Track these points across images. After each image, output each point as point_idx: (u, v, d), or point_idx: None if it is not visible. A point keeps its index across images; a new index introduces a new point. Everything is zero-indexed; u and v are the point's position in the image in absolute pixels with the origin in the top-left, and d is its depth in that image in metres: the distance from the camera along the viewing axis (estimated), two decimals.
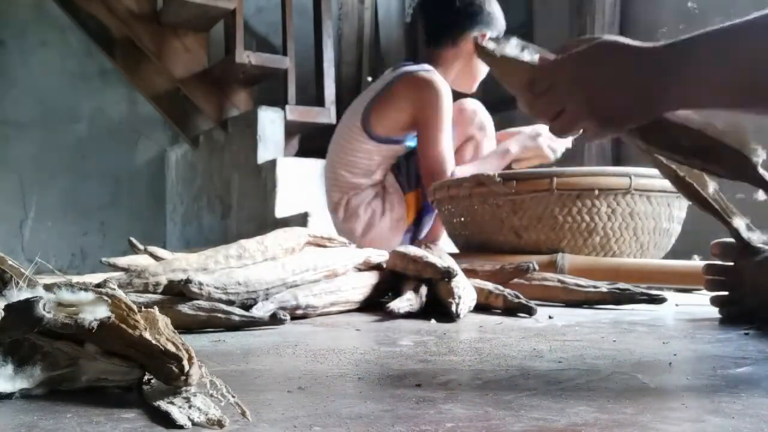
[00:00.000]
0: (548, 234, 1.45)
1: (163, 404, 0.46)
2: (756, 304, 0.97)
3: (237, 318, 0.90)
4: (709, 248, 1.04)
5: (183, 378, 0.47)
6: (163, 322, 0.51)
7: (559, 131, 0.80)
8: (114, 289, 0.53)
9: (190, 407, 0.45)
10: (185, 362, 0.48)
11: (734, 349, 0.74)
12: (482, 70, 1.93)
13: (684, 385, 0.56)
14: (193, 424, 0.43)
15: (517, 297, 1.08)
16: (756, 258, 0.98)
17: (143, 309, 0.52)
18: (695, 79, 0.71)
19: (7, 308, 0.49)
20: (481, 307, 1.09)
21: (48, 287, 0.54)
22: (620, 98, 0.75)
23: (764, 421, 0.44)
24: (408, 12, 3.63)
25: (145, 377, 0.51)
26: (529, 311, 1.05)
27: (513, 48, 0.86)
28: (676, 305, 1.19)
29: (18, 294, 0.52)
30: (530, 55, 0.84)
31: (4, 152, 3.35)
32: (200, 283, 0.92)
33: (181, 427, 0.43)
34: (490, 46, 0.88)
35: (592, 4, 2.49)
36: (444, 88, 1.84)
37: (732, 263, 1.01)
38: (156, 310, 0.53)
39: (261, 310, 0.93)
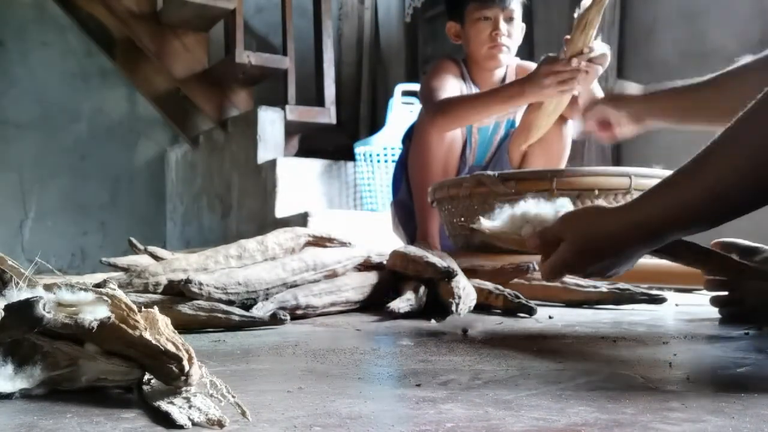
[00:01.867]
0: None
1: (163, 404, 0.46)
2: (756, 304, 0.97)
3: (237, 318, 0.90)
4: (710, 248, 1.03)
5: (183, 378, 0.47)
6: (163, 322, 0.51)
7: (547, 273, 0.83)
8: (114, 289, 0.53)
9: (190, 407, 0.45)
10: (185, 362, 0.48)
11: (734, 349, 0.74)
12: (482, 38, 1.90)
13: (684, 385, 0.56)
14: (193, 424, 0.43)
15: (517, 297, 1.08)
16: (756, 258, 0.98)
17: (143, 309, 0.52)
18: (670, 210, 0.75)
19: (7, 308, 0.49)
20: (481, 307, 1.09)
21: (48, 287, 0.54)
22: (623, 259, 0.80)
23: (764, 421, 0.44)
24: (408, 12, 3.63)
25: (145, 377, 0.51)
26: (530, 311, 1.05)
27: (506, 218, 0.94)
28: (676, 305, 1.19)
29: (18, 294, 0.52)
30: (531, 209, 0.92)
31: (4, 152, 3.35)
32: (200, 283, 0.92)
33: (181, 427, 0.43)
34: (483, 225, 0.96)
35: None
36: (443, 59, 1.96)
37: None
38: (156, 310, 0.53)
39: (261, 310, 0.93)
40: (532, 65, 1.91)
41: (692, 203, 0.72)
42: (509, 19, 1.86)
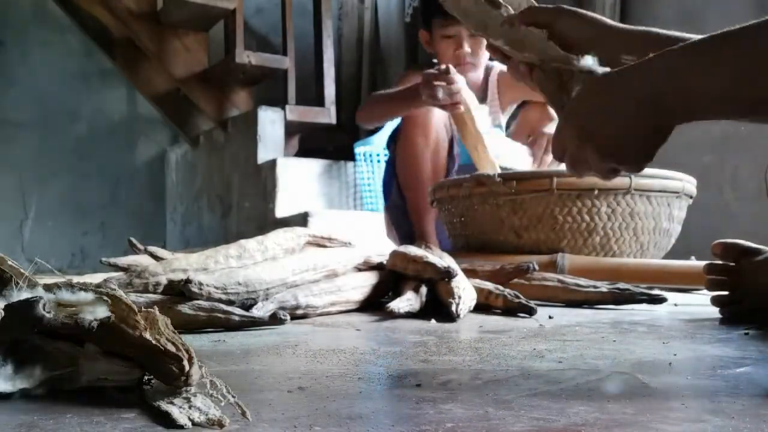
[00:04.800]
0: (548, 234, 1.45)
1: (163, 404, 0.46)
2: (756, 305, 0.97)
3: (237, 318, 0.90)
4: (711, 248, 1.04)
5: (183, 378, 0.47)
6: (163, 322, 0.51)
7: (571, 170, 0.74)
8: (114, 289, 0.53)
9: (190, 407, 0.45)
10: (185, 362, 0.48)
11: (734, 349, 0.74)
12: (447, 55, 1.90)
13: (684, 385, 0.56)
14: (194, 424, 0.43)
15: (517, 297, 1.08)
16: (757, 258, 0.98)
17: (143, 309, 0.52)
18: (694, 72, 0.63)
19: (8, 308, 0.49)
20: (481, 307, 1.09)
21: (48, 287, 0.54)
22: (612, 124, 0.67)
23: (764, 421, 0.44)
24: (408, 12, 3.63)
25: (145, 377, 0.51)
26: (530, 311, 1.04)
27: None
28: (676, 305, 1.19)
29: (18, 294, 0.52)
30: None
31: (4, 152, 3.34)
32: (200, 283, 0.92)
33: (181, 427, 0.43)
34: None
35: (592, 4, 2.49)
36: (410, 70, 2.02)
37: (733, 263, 1.01)
38: (156, 310, 0.53)
39: (261, 310, 0.93)
40: None
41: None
42: (472, 36, 1.85)
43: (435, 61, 1.96)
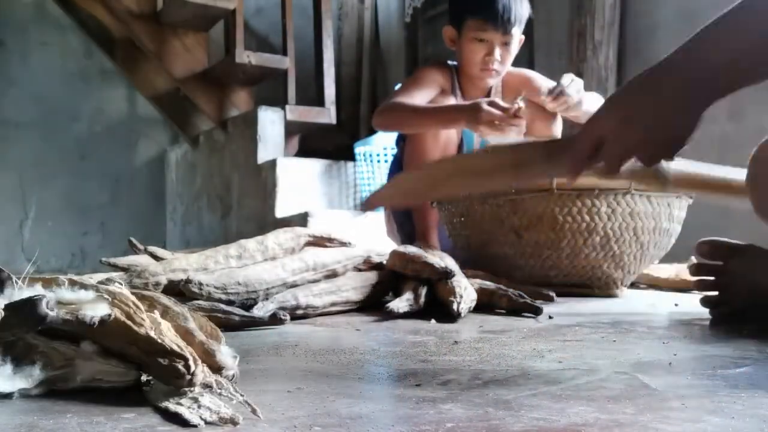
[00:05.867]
0: (548, 234, 1.45)
1: (171, 405, 0.45)
2: (747, 304, 0.96)
3: (237, 318, 0.90)
4: (696, 247, 1.03)
5: (188, 378, 0.47)
6: (166, 325, 0.51)
7: (608, 167, 0.73)
8: (120, 287, 0.53)
9: (199, 407, 0.45)
10: (191, 362, 0.48)
11: (734, 349, 0.74)
12: (475, 58, 1.86)
13: (684, 385, 0.56)
14: (206, 423, 0.43)
15: (522, 297, 1.08)
16: (745, 258, 0.97)
17: (146, 312, 0.52)
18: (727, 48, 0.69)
19: (9, 307, 0.49)
20: (484, 307, 1.09)
21: (47, 282, 0.54)
22: (663, 104, 0.70)
23: (764, 421, 0.44)
24: (408, 12, 3.63)
25: (144, 378, 0.51)
26: (535, 311, 1.04)
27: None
28: (676, 305, 1.19)
29: (19, 293, 0.52)
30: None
31: (4, 152, 3.35)
32: (200, 283, 0.92)
33: (194, 426, 0.42)
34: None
35: (592, 4, 2.49)
36: (430, 66, 1.95)
37: (721, 263, 1.00)
38: (157, 314, 0.53)
39: (261, 310, 0.93)
40: (520, 72, 1.94)
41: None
42: (505, 44, 1.84)
43: (452, 63, 1.94)
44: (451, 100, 1.88)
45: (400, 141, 2.05)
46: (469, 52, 1.85)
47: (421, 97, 1.84)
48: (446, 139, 1.87)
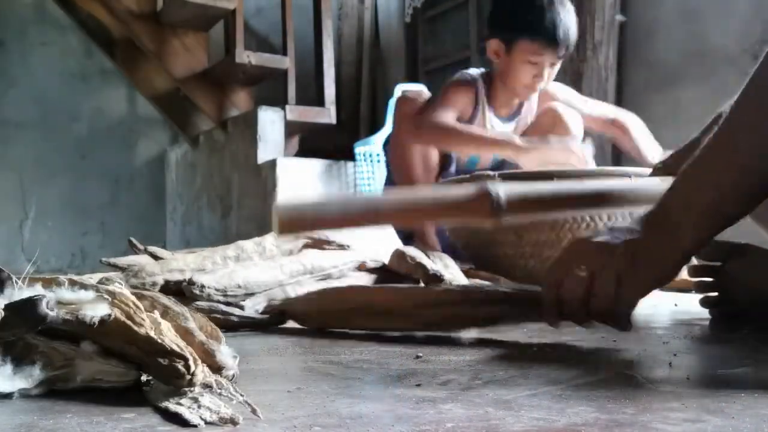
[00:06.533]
0: (548, 234, 1.44)
1: (171, 405, 0.45)
2: (747, 304, 0.96)
3: (236, 319, 0.90)
4: None
5: (188, 378, 0.47)
6: (166, 325, 0.51)
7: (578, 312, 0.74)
8: (120, 286, 0.53)
9: (199, 407, 0.45)
10: (191, 362, 0.48)
11: (734, 349, 0.74)
12: (523, 78, 1.82)
13: (684, 385, 0.56)
14: (206, 423, 0.43)
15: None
16: (744, 258, 0.97)
17: (146, 311, 0.52)
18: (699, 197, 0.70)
19: (9, 307, 0.49)
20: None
21: (47, 282, 0.54)
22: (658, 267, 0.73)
23: (764, 421, 0.44)
24: (408, 12, 3.63)
25: (143, 378, 0.51)
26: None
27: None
28: (675, 305, 1.19)
29: (19, 293, 0.52)
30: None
31: (4, 152, 3.35)
32: (202, 285, 0.92)
33: (194, 426, 0.42)
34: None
35: (592, 4, 2.49)
36: (458, 79, 1.91)
37: (720, 263, 1.00)
38: (157, 314, 0.53)
39: (251, 309, 0.93)
40: (552, 87, 1.92)
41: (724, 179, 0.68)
42: (553, 65, 1.82)
43: (477, 71, 1.93)
44: (472, 115, 1.89)
45: (386, 145, 2.08)
46: (520, 71, 1.80)
47: (452, 119, 1.85)
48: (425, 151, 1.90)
